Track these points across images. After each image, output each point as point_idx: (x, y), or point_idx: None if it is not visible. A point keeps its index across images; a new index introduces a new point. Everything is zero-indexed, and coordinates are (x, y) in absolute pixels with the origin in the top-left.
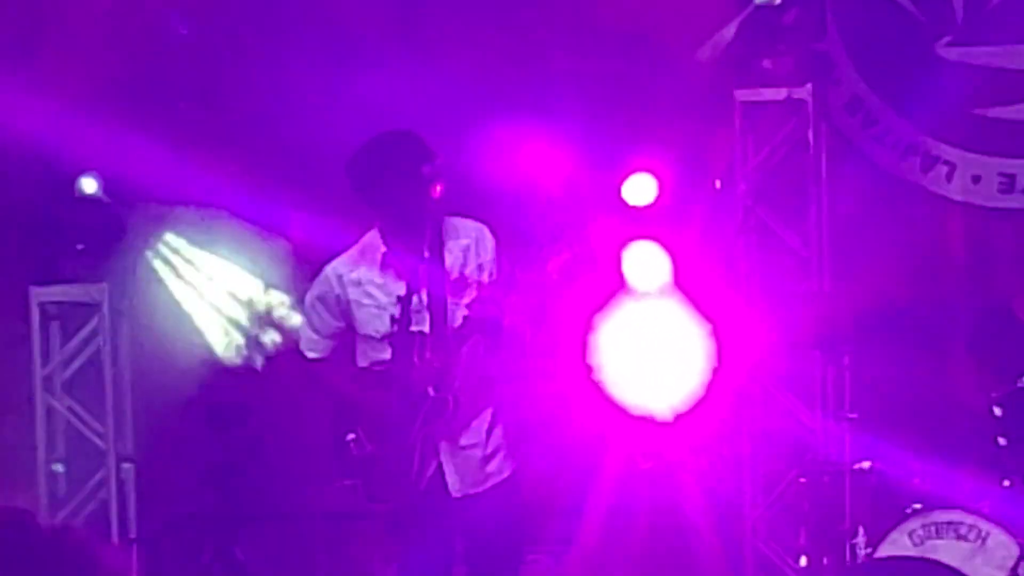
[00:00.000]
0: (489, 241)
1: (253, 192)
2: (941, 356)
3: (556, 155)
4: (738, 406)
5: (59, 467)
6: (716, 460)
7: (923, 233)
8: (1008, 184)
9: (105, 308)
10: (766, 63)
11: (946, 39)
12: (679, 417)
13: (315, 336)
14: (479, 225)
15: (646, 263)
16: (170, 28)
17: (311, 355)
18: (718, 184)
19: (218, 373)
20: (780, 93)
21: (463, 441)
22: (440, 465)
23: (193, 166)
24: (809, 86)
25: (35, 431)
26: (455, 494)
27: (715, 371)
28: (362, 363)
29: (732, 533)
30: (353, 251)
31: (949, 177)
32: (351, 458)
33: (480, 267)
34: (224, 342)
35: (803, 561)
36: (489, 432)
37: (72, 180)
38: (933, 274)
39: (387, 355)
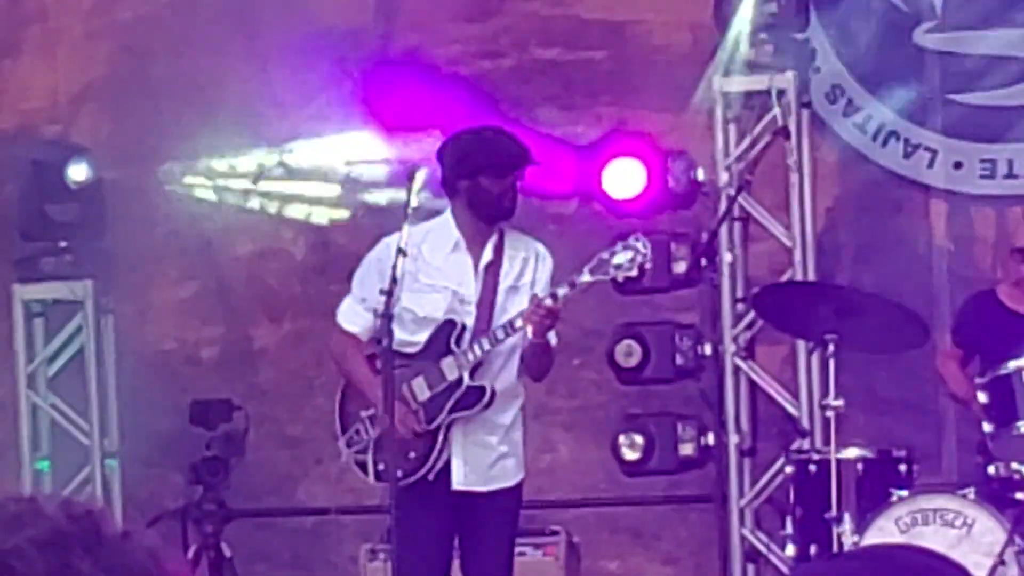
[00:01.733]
0: (548, 261)
1: None
2: (926, 344)
3: (536, 147)
4: (723, 395)
5: (44, 464)
6: (702, 449)
7: (906, 220)
8: (990, 170)
9: (89, 305)
10: (747, 51)
11: (925, 26)
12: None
13: (359, 307)
14: (538, 244)
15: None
16: None
17: (348, 327)
18: (701, 174)
19: (202, 369)
20: (761, 82)
21: (478, 437)
22: (450, 457)
23: None
24: (790, 74)
25: (19, 429)
26: (455, 486)
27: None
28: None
29: (718, 521)
30: (421, 228)
31: (931, 163)
32: (365, 433)
33: (534, 283)
34: None
35: (790, 549)
36: (506, 435)
37: (55, 176)
38: (917, 261)
39: (419, 338)
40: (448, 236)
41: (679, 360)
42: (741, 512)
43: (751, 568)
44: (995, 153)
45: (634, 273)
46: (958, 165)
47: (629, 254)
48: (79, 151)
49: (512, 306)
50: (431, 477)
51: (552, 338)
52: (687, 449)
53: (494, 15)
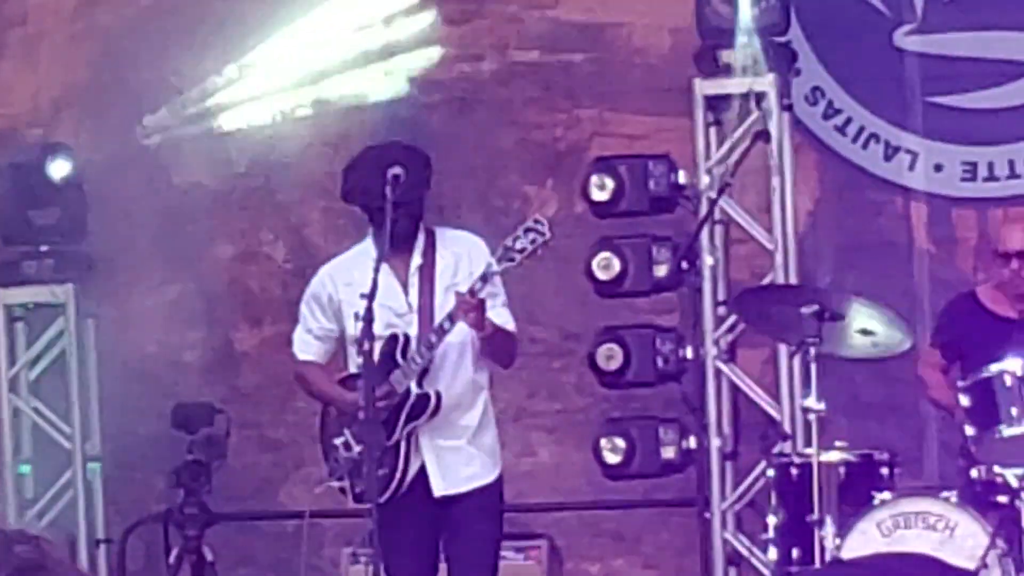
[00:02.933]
0: (483, 253)
1: None
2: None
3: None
4: (704, 398)
5: (26, 469)
6: (683, 452)
7: (886, 222)
8: (971, 172)
9: (70, 309)
10: (727, 55)
11: (905, 28)
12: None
13: (308, 337)
14: (474, 238)
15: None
16: None
17: (302, 356)
18: (682, 177)
19: (183, 372)
20: (742, 85)
21: (446, 441)
22: (423, 464)
23: None
24: (771, 77)
25: (1, 433)
26: (436, 493)
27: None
28: (352, 369)
29: (700, 525)
30: (347, 255)
31: (911, 166)
32: (340, 460)
33: (471, 276)
34: None
35: (772, 553)
36: (475, 434)
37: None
38: (898, 264)
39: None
40: (368, 256)
41: (660, 364)
42: (723, 515)
43: (732, 571)
44: (976, 155)
45: (538, 253)
46: (939, 167)
47: (531, 236)
48: (59, 148)
49: (451, 305)
50: (405, 488)
51: (508, 323)
52: (669, 453)
53: (473, 18)
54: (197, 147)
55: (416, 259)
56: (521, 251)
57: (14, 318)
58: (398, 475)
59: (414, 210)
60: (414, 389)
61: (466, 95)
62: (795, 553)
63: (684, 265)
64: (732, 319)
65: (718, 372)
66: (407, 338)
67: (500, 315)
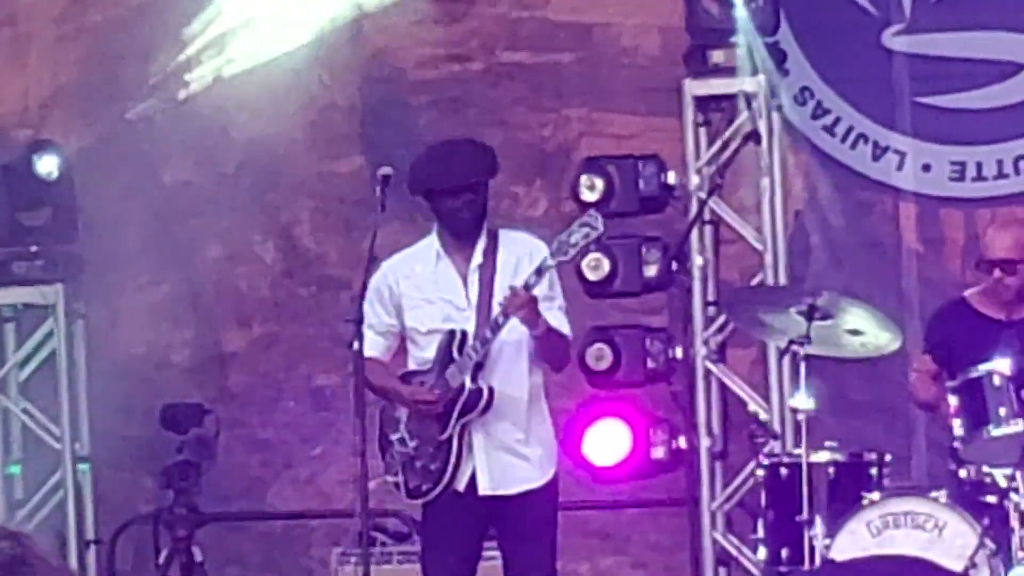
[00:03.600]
0: (543, 253)
1: None
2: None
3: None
4: (694, 398)
5: (15, 469)
6: (673, 452)
7: (875, 222)
8: (959, 172)
9: (60, 309)
10: (717, 55)
11: (894, 28)
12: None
13: (370, 332)
14: (536, 240)
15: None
16: None
17: (369, 353)
18: (672, 177)
19: (172, 373)
20: (732, 85)
21: (498, 439)
22: (474, 465)
23: None
24: (761, 78)
25: None
26: (481, 492)
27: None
28: (411, 365)
29: (690, 525)
30: (410, 249)
31: (900, 166)
32: (394, 457)
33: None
34: None
35: (761, 553)
36: (528, 435)
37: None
38: (886, 263)
39: (430, 353)
40: (431, 250)
41: (650, 363)
42: (712, 515)
43: (722, 571)
44: (964, 155)
45: (591, 248)
46: (927, 167)
47: (584, 231)
48: (46, 145)
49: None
50: (460, 487)
51: (563, 326)
52: (659, 453)
53: (462, 18)
54: (187, 146)
55: (477, 257)
56: (575, 245)
57: (4, 319)
58: (449, 471)
59: (477, 201)
60: (468, 384)
61: (455, 95)
62: (784, 553)
63: (674, 265)
64: (722, 319)
65: (708, 372)
66: (464, 334)
67: (556, 318)
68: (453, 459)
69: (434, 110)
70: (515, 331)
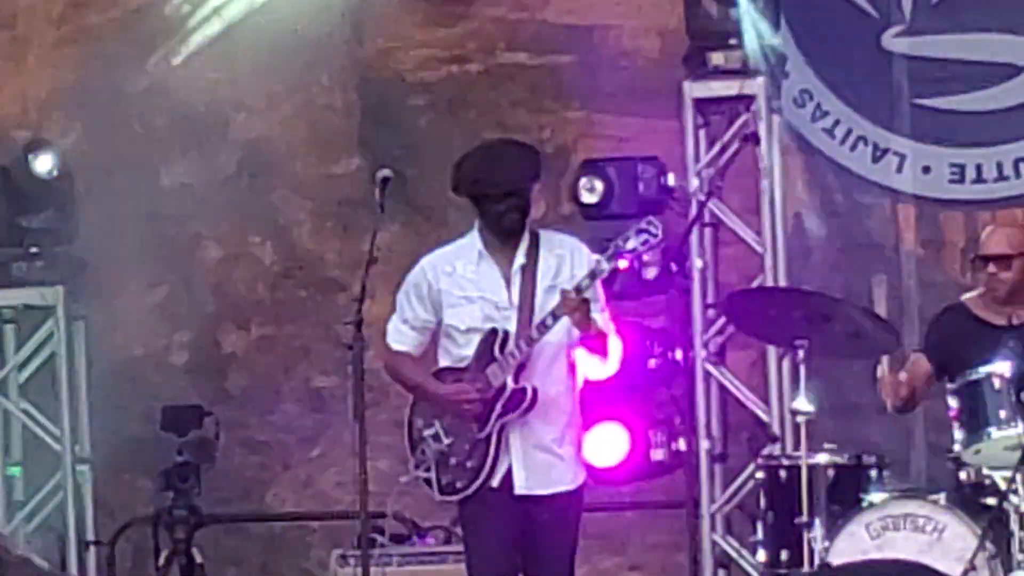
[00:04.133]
0: (583, 252)
1: None
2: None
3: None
4: (694, 401)
5: (15, 471)
6: (673, 455)
7: (875, 224)
8: (959, 174)
9: (60, 311)
10: (716, 57)
11: (894, 30)
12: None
13: (403, 327)
14: (576, 242)
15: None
16: None
17: (397, 347)
18: (672, 179)
19: (171, 375)
20: (731, 87)
21: (536, 439)
22: (511, 463)
23: None
24: (760, 80)
25: None
26: (519, 491)
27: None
28: (444, 361)
29: (690, 527)
30: (452, 246)
31: (899, 168)
32: (427, 452)
33: (572, 278)
34: None
35: (761, 555)
36: (563, 436)
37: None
38: (885, 265)
39: (468, 351)
40: (473, 248)
41: (650, 365)
42: (712, 517)
43: (721, 573)
44: (964, 157)
45: (647, 255)
46: (927, 169)
47: (643, 237)
48: (42, 144)
49: (552, 305)
50: (495, 483)
51: (607, 326)
52: (658, 455)
53: (461, 20)
54: (185, 148)
55: (520, 258)
56: (632, 251)
57: (4, 320)
58: (487, 468)
59: (521, 204)
60: (510, 383)
61: (454, 97)
62: (784, 555)
63: (673, 267)
64: (721, 321)
65: (707, 374)
66: (506, 333)
67: (601, 319)
68: (491, 458)
69: (433, 112)
70: (556, 333)
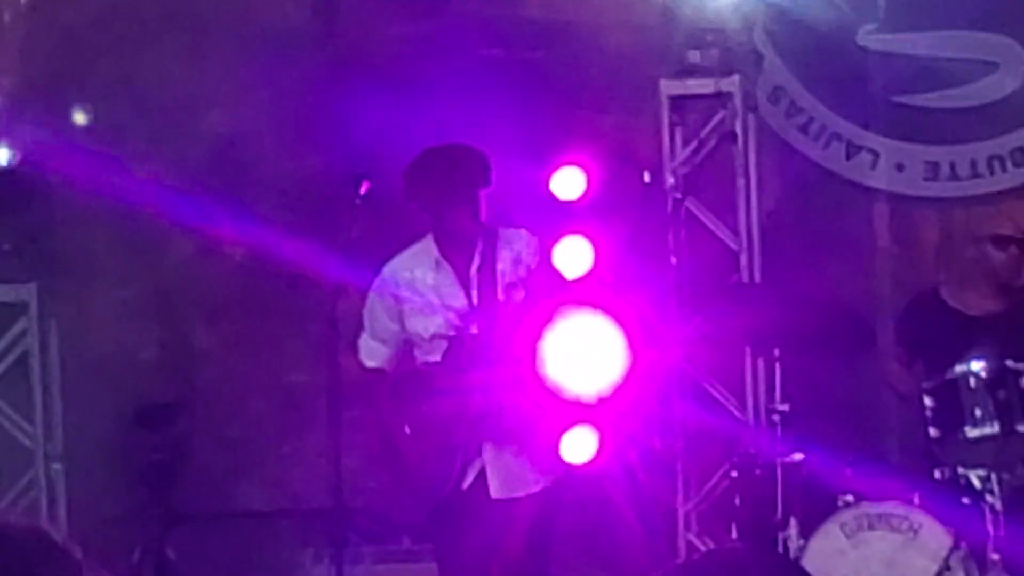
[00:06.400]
0: (534, 245)
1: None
2: (870, 347)
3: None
4: (668, 399)
5: None
6: (647, 454)
7: (849, 222)
8: (933, 172)
9: (34, 309)
10: (692, 55)
11: (868, 27)
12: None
13: (373, 343)
14: (525, 232)
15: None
16: None
17: (369, 363)
18: (647, 177)
19: (150, 373)
20: (707, 85)
21: (506, 444)
22: (484, 467)
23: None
24: (736, 77)
25: None
26: (494, 495)
27: (643, 364)
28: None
29: (664, 527)
30: (408, 253)
31: (873, 165)
32: (399, 454)
33: (528, 269)
34: None
35: None
36: (533, 438)
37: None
38: (860, 263)
39: (436, 357)
40: (430, 255)
41: None
42: (686, 516)
43: None
44: (938, 155)
45: None
46: (900, 167)
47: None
48: None
49: (515, 301)
50: (465, 486)
51: None
52: (632, 453)
53: (435, 14)
54: (156, 142)
55: (477, 260)
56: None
57: None
58: (457, 472)
59: (473, 209)
60: (478, 387)
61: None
62: None
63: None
64: (696, 319)
65: (682, 373)
66: (473, 337)
67: None
68: (461, 462)
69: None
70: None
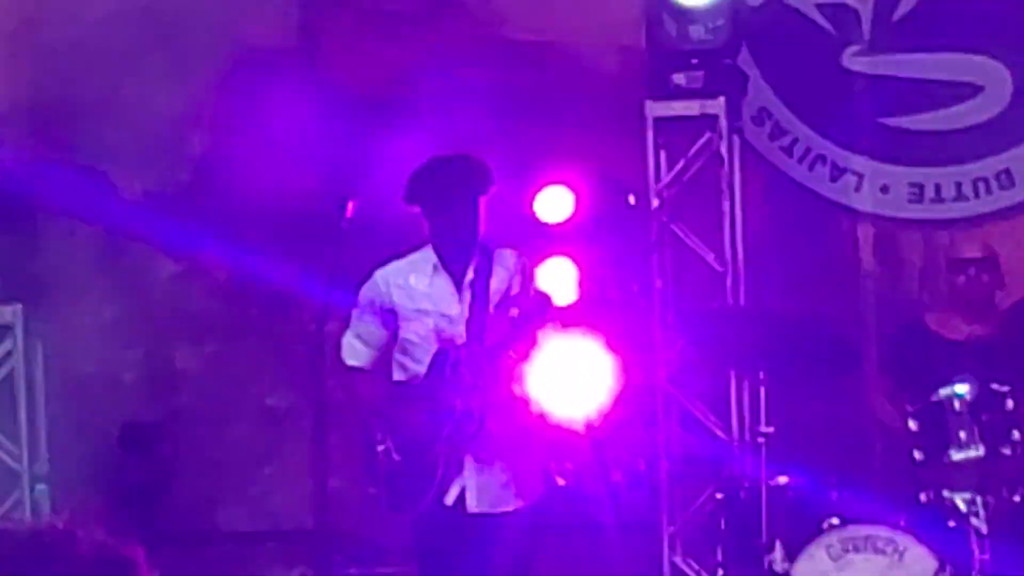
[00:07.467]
0: (521, 265)
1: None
2: (855, 370)
3: None
4: (653, 422)
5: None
6: (632, 476)
7: (834, 244)
8: (917, 194)
9: (19, 329)
10: (678, 77)
11: (853, 49)
12: (593, 429)
13: (356, 342)
14: (514, 253)
15: (560, 280)
16: None
17: (351, 362)
18: (632, 199)
19: (132, 394)
20: (692, 107)
21: (487, 459)
22: (464, 481)
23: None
24: (722, 99)
25: None
26: (471, 510)
27: (629, 387)
28: (397, 376)
29: (649, 548)
30: (405, 260)
31: (858, 187)
32: (378, 468)
33: (512, 288)
34: None
35: None
36: (515, 455)
37: None
38: (845, 286)
39: (422, 367)
40: (428, 262)
41: None
42: (671, 539)
43: None
44: (922, 177)
45: None
46: (885, 189)
47: None
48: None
49: (503, 321)
50: (449, 502)
51: None
52: (617, 475)
53: (420, 36)
54: (141, 162)
55: (470, 273)
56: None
57: None
58: (437, 486)
59: (472, 218)
60: (459, 404)
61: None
62: None
63: (634, 288)
64: (681, 342)
65: (667, 395)
66: (459, 351)
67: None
68: (440, 478)
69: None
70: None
